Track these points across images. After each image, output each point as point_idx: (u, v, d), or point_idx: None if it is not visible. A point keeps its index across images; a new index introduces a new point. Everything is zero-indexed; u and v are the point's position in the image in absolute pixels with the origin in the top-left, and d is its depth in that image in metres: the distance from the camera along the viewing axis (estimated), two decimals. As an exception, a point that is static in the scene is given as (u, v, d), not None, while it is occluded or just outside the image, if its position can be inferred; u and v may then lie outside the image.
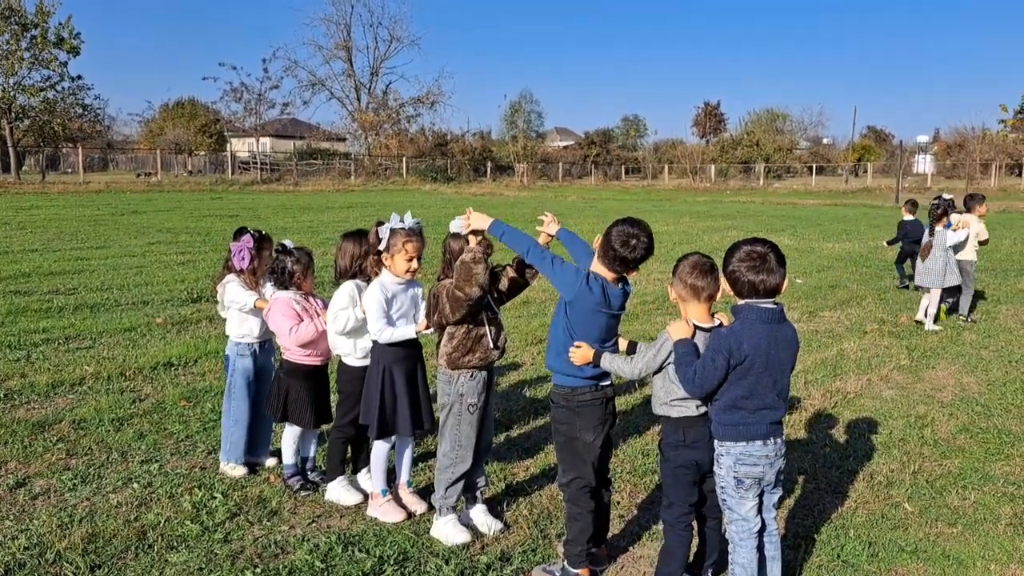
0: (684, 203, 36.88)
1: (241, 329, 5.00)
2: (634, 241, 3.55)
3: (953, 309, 10.21)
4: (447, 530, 4.17)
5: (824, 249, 17.62)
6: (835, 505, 4.70)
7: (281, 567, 3.88)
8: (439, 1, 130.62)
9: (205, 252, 15.18)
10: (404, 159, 55.63)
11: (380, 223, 4.29)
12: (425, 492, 4.63)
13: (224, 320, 5.15)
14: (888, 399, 6.80)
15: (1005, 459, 5.45)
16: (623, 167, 63.49)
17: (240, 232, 5.01)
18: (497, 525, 4.31)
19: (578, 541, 3.78)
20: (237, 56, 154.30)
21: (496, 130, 70.56)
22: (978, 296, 11.30)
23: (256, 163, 53.20)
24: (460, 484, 4.20)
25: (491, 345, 4.11)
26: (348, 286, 4.52)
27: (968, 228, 9.97)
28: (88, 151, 51.84)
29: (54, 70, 44.72)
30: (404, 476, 4.63)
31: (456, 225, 4.05)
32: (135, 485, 4.80)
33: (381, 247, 4.25)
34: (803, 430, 5.98)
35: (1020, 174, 50.40)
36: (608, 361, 3.62)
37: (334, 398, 4.89)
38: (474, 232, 3.92)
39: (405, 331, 4.30)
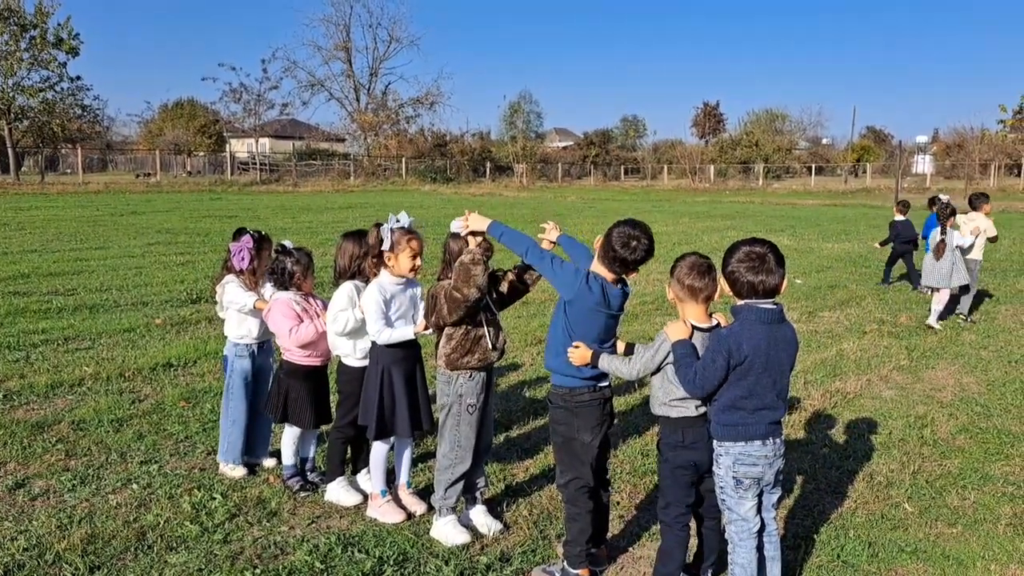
0: (683, 203, 36.89)
1: (240, 330, 5.00)
2: (634, 243, 3.55)
3: (952, 309, 10.21)
4: (447, 531, 4.17)
5: (823, 249, 17.63)
6: (835, 505, 4.70)
7: (281, 568, 3.87)
8: (438, 1, 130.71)
9: (204, 253, 15.18)
10: (403, 160, 55.63)
11: (379, 224, 4.29)
12: (425, 493, 4.63)
13: (223, 321, 5.15)
14: (888, 399, 6.80)
15: (1005, 459, 5.45)
16: (622, 167, 63.48)
17: (239, 232, 5.00)
18: (497, 526, 4.31)
19: (577, 542, 3.78)
20: (236, 57, 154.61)
21: (495, 130, 70.58)
22: (980, 296, 11.31)
23: (255, 164, 53.21)
24: (460, 485, 4.20)
25: (490, 346, 4.11)
26: (347, 287, 4.52)
27: (975, 235, 10.05)
28: (87, 152, 51.82)
29: (53, 71, 44.76)
30: (403, 477, 4.62)
31: (456, 226, 4.05)
32: (134, 486, 4.80)
33: (385, 246, 4.24)
34: (803, 430, 5.98)
35: (1019, 174, 50.41)
36: (606, 362, 3.62)
37: (334, 399, 4.88)
38: (473, 233, 3.92)
39: (404, 332, 4.29)
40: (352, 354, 4.58)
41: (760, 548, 3.53)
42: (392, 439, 4.49)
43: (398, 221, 4.30)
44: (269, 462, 5.15)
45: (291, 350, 4.74)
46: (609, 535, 4.12)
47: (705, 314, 3.55)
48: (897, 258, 12.95)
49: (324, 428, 5.02)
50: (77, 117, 48.90)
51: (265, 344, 5.12)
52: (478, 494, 4.39)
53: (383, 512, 4.42)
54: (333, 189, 43.95)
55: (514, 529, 4.34)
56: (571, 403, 3.74)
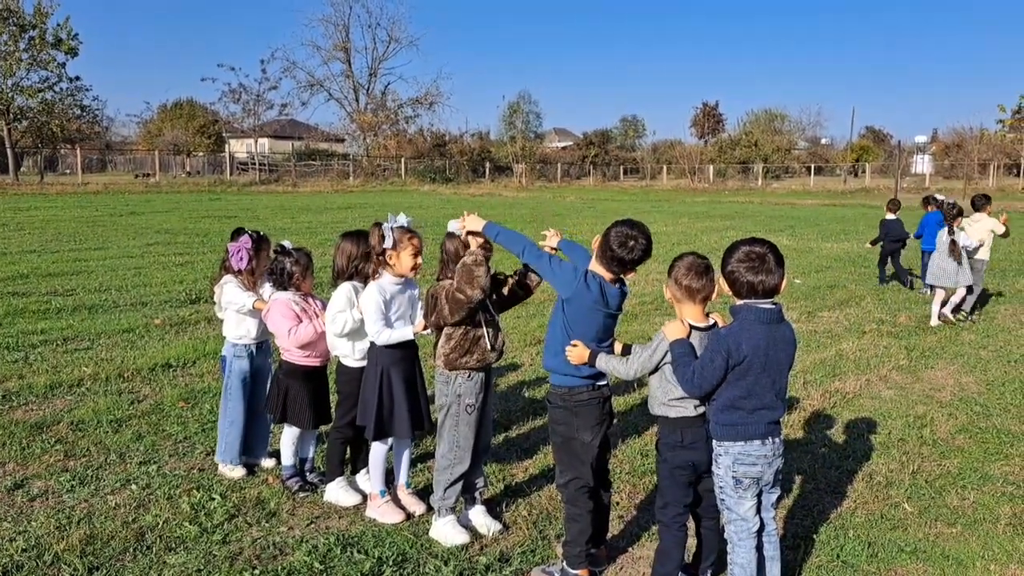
0: (682, 203, 36.89)
1: (238, 330, 4.99)
2: (632, 242, 3.56)
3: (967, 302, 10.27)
4: (446, 531, 4.16)
5: (822, 249, 17.63)
6: (834, 505, 4.70)
7: (280, 568, 3.87)
8: (438, 1, 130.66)
9: (203, 253, 15.17)
10: (402, 160, 55.63)
11: (379, 224, 4.29)
12: (424, 493, 4.62)
13: (221, 321, 5.15)
14: (887, 399, 6.80)
15: (1004, 459, 5.45)
16: (621, 168, 63.50)
17: (237, 232, 5.00)
18: (496, 526, 4.30)
19: (577, 542, 3.78)
20: (235, 57, 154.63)
21: (494, 131, 70.52)
22: (985, 296, 11.33)
23: (254, 164, 53.17)
24: (459, 485, 4.20)
25: (489, 347, 4.11)
26: (345, 288, 4.51)
27: (981, 237, 10.15)
28: (86, 152, 51.78)
29: (52, 71, 44.70)
30: (403, 477, 4.62)
31: (453, 226, 4.06)
32: (133, 486, 4.79)
33: (388, 244, 4.23)
34: (802, 430, 5.98)
35: (1018, 174, 50.44)
36: (604, 362, 3.62)
37: (334, 399, 4.88)
38: (473, 234, 3.92)
39: (403, 332, 4.29)
40: (351, 355, 4.58)
41: (759, 548, 3.53)
42: (390, 439, 4.49)
43: (397, 220, 4.31)
44: (268, 462, 5.15)
45: (290, 350, 4.73)
46: (608, 535, 4.12)
47: (703, 314, 3.55)
48: (887, 257, 13.03)
49: (323, 428, 5.02)
50: (76, 117, 48.87)
51: (263, 344, 5.12)
52: (477, 494, 4.39)
53: (382, 512, 4.42)
54: (332, 189, 43.95)
55: (513, 529, 4.34)
56: (570, 402, 3.74)
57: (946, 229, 9.80)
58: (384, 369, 4.31)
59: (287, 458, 4.84)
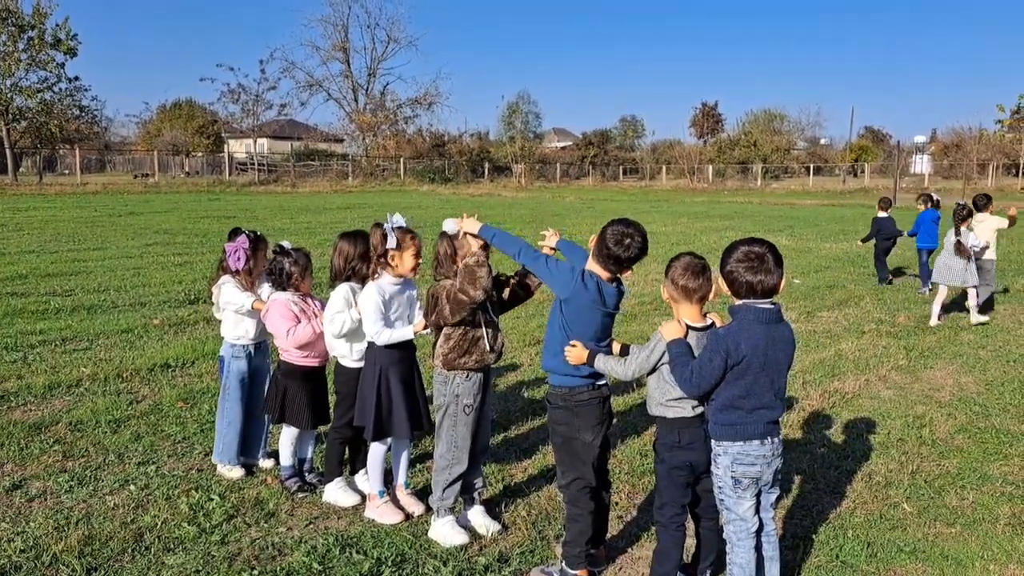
0: (682, 204, 36.90)
1: (236, 331, 4.99)
2: (628, 240, 3.56)
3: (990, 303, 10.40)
4: (445, 531, 4.16)
5: (822, 249, 17.63)
6: (833, 505, 4.70)
7: (279, 569, 3.87)
8: (437, 2, 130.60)
9: (202, 253, 15.17)
10: (402, 160, 55.61)
11: (379, 224, 4.28)
12: (423, 493, 4.62)
13: (220, 322, 5.14)
14: (886, 399, 6.80)
15: (1003, 459, 5.45)
16: (621, 168, 63.49)
17: (235, 232, 4.99)
18: (495, 526, 4.30)
19: (577, 542, 3.77)
20: (234, 57, 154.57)
21: (494, 131, 70.44)
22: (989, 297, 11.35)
23: (253, 164, 53.16)
24: (457, 485, 4.20)
25: (487, 348, 4.11)
26: (343, 288, 4.51)
27: (987, 238, 10.22)
28: (85, 152, 51.78)
29: (51, 71, 44.73)
30: (401, 478, 4.62)
31: (449, 226, 4.06)
32: (132, 487, 4.79)
33: (391, 244, 4.23)
34: (801, 430, 5.98)
35: (1017, 174, 50.44)
36: (602, 362, 3.62)
37: (333, 399, 4.87)
38: (471, 236, 3.93)
39: (403, 332, 4.29)
40: (348, 355, 4.57)
41: (758, 548, 3.52)
42: (389, 440, 4.49)
43: (396, 221, 4.31)
44: (267, 463, 5.14)
45: (289, 351, 4.73)
46: (607, 535, 4.11)
47: (700, 314, 3.55)
48: (880, 255, 13.12)
49: (322, 429, 5.02)
50: (75, 118, 48.87)
51: (262, 345, 5.12)
52: (476, 495, 4.39)
53: (381, 513, 4.42)
54: (331, 189, 43.95)
55: (512, 530, 4.33)
56: (571, 402, 3.74)
57: (953, 229, 9.84)
58: (383, 369, 4.31)
59: (286, 458, 4.84)
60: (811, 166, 57.50)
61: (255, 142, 58.34)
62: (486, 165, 58.57)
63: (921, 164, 59.57)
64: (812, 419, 6.22)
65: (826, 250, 17.48)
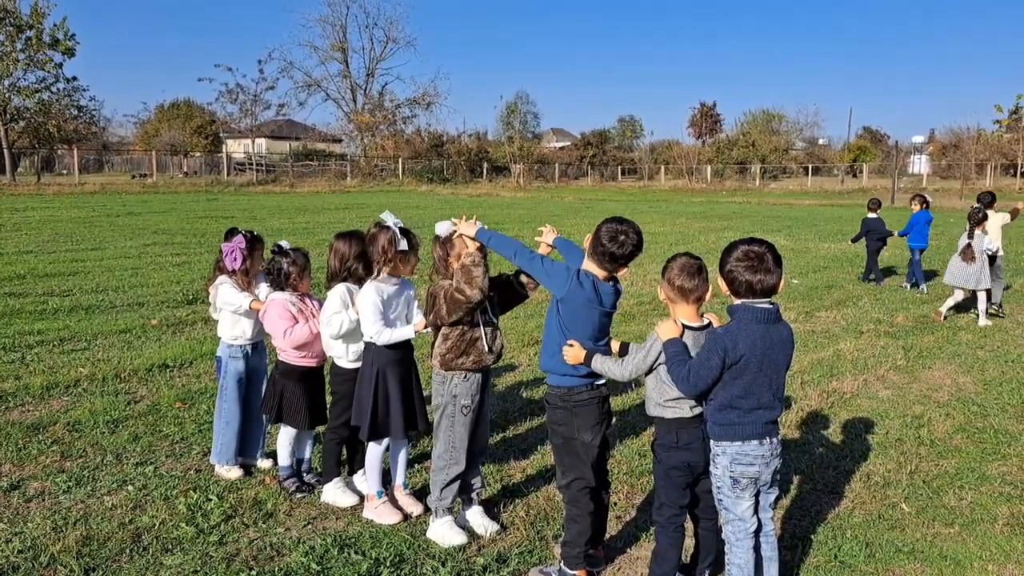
0: (680, 204, 36.91)
1: (233, 331, 4.98)
2: (623, 237, 3.57)
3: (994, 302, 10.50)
4: (443, 532, 4.16)
5: (820, 249, 17.64)
6: (832, 505, 4.70)
7: (277, 569, 3.86)
8: (435, 2, 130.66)
9: (201, 254, 15.15)
10: (400, 160, 55.59)
11: (382, 226, 4.28)
12: (421, 494, 4.62)
13: (217, 322, 5.13)
14: (884, 399, 6.80)
15: (1002, 459, 5.46)
16: (619, 168, 63.51)
17: (231, 232, 4.98)
18: (493, 527, 4.30)
19: (576, 543, 3.77)
20: (232, 57, 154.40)
21: (492, 131, 70.42)
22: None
23: (252, 164, 53.11)
24: (455, 485, 4.19)
25: (486, 349, 4.10)
26: (339, 289, 4.50)
27: (995, 236, 10.33)
28: (83, 152, 51.73)
29: (49, 71, 44.70)
30: (400, 478, 4.61)
31: (441, 229, 4.06)
32: (130, 487, 4.78)
33: (403, 246, 4.25)
34: (799, 430, 5.98)
35: (1015, 174, 50.49)
36: (599, 363, 3.62)
37: (331, 400, 4.87)
38: (468, 237, 3.93)
39: (404, 331, 4.29)
40: (344, 356, 4.57)
41: (757, 548, 3.52)
42: (386, 440, 4.48)
43: (397, 222, 4.32)
44: (265, 463, 5.14)
45: (286, 351, 4.73)
46: (606, 536, 4.11)
47: (696, 314, 3.55)
48: (872, 255, 13.26)
49: (320, 429, 5.01)
50: (73, 118, 48.81)
51: (259, 345, 5.11)
52: (474, 495, 4.39)
53: (379, 513, 4.41)
54: (330, 190, 43.93)
55: (511, 530, 4.33)
56: (570, 402, 3.74)
57: (966, 232, 9.91)
58: (380, 369, 4.30)
59: (284, 459, 4.83)
60: (809, 166, 57.54)
61: (253, 142, 58.28)
62: (484, 165, 58.56)
63: (919, 164, 59.67)
64: (810, 419, 6.22)
65: (824, 250, 17.49)
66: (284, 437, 4.83)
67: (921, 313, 10.53)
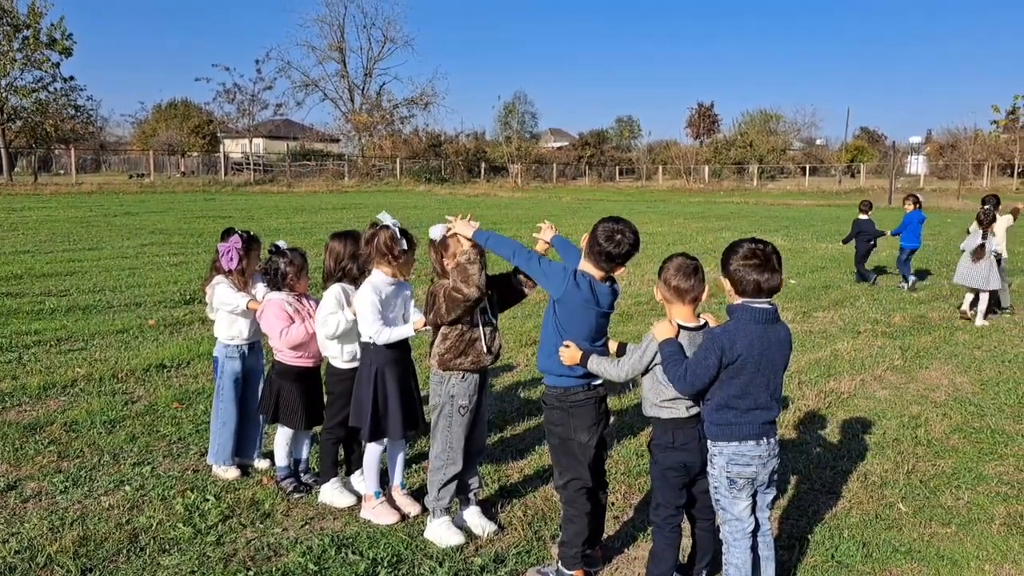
0: (678, 204, 36.93)
1: (230, 331, 4.97)
2: (619, 236, 3.57)
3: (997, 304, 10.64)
4: (441, 532, 4.16)
5: (817, 250, 17.67)
6: (829, 505, 4.70)
7: (274, 569, 3.86)
8: (433, 2, 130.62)
9: (198, 253, 15.14)
10: (398, 160, 55.57)
11: (383, 225, 4.28)
12: (419, 494, 4.61)
13: (214, 322, 5.13)
14: (882, 399, 6.81)
15: (998, 459, 5.46)
16: (617, 168, 63.52)
17: (228, 232, 4.98)
18: (491, 527, 4.30)
19: (573, 543, 3.77)
20: (230, 57, 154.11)
21: (490, 131, 70.46)
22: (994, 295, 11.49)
23: (249, 164, 53.06)
24: (452, 485, 4.19)
25: (484, 349, 4.10)
26: (335, 290, 4.50)
27: (1002, 241, 10.45)
28: (80, 152, 51.68)
29: (46, 71, 44.64)
30: (397, 478, 4.61)
31: (435, 232, 4.07)
32: (127, 488, 4.77)
33: (405, 246, 4.27)
34: (797, 431, 5.98)
35: (1012, 174, 50.59)
36: (595, 364, 3.62)
37: (327, 400, 4.86)
38: (465, 238, 3.94)
39: (404, 330, 4.29)
40: (339, 356, 4.57)
41: (754, 548, 3.53)
42: (385, 440, 4.48)
43: (396, 222, 4.32)
44: (263, 463, 5.13)
45: (282, 351, 4.72)
46: (604, 536, 4.11)
47: (692, 314, 3.55)
48: (862, 257, 13.42)
49: (317, 429, 5.01)
50: (70, 117, 48.75)
51: (255, 345, 5.10)
52: (472, 495, 4.38)
53: (377, 513, 4.41)
54: (327, 189, 43.91)
55: (508, 530, 4.33)
56: (567, 403, 3.74)
57: (980, 232, 10.01)
58: (379, 369, 4.30)
59: (281, 459, 4.83)
60: (807, 167, 57.60)
61: (251, 142, 58.24)
62: (482, 165, 58.58)
63: (916, 165, 59.78)
64: (808, 419, 6.23)
65: (822, 250, 17.51)
66: (281, 437, 4.83)
67: (918, 313, 10.55)
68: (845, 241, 14.09)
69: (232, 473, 4.95)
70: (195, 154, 57.80)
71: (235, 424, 4.99)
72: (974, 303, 10.13)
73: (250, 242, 4.97)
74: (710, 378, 3.34)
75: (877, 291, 12.43)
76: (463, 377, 4.09)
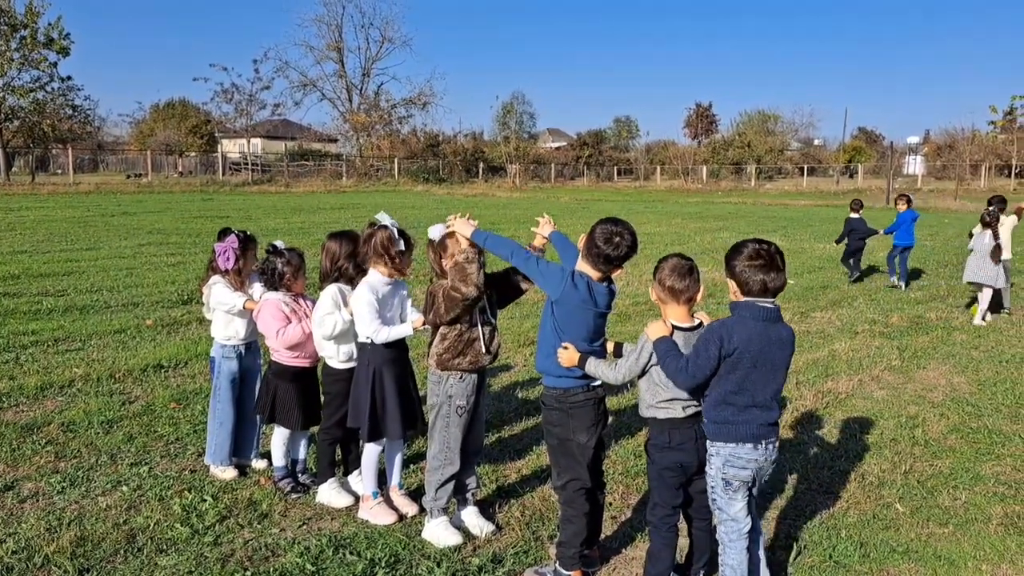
0: (676, 204, 36.94)
1: (227, 331, 4.97)
2: (618, 239, 3.57)
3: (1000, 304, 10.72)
4: (438, 532, 4.16)
5: (815, 250, 17.68)
6: (826, 505, 4.71)
7: (272, 570, 3.86)
8: (431, 1, 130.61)
9: (196, 253, 15.12)
10: (396, 160, 55.55)
11: (381, 225, 4.28)
12: (416, 494, 4.61)
13: (211, 322, 5.12)
14: (879, 399, 6.82)
15: (995, 459, 5.47)
16: (615, 168, 63.56)
17: (224, 232, 4.98)
18: (489, 527, 4.30)
19: (571, 544, 3.77)
20: (228, 57, 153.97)
21: (488, 131, 70.46)
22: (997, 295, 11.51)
23: (247, 164, 53.04)
24: (450, 486, 4.19)
25: (483, 349, 4.10)
26: (331, 290, 4.50)
27: (1006, 239, 10.52)
28: (78, 152, 51.62)
29: (44, 71, 44.63)
30: (395, 479, 4.61)
31: (434, 232, 4.06)
32: (124, 488, 4.77)
33: (402, 247, 4.27)
34: (794, 431, 5.99)
35: (1010, 175, 50.65)
36: (593, 366, 3.62)
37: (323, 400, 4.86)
38: (464, 237, 3.94)
39: (401, 329, 4.28)
40: (336, 356, 4.57)
41: (751, 548, 3.53)
42: (384, 440, 4.48)
43: (394, 223, 4.32)
44: (260, 464, 5.13)
45: (279, 351, 4.72)
46: (601, 536, 4.11)
47: (688, 315, 3.56)
48: (852, 255, 13.56)
49: (314, 430, 5.00)
50: (68, 117, 48.71)
51: (252, 345, 5.10)
52: (469, 495, 4.38)
53: (374, 514, 4.41)
54: (325, 190, 43.87)
55: (506, 530, 4.33)
56: (565, 404, 3.73)
57: (990, 233, 10.11)
58: (376, 369, 4.30)
59: (279, 459, 4.83)
60: (805, 167, 57.65)
61: (249, 142, 58.24)
62: (480, 165, 58.58)
63: (914, 165, 59.78)
64: (805, 419, 6.23)
65: (819, 251, 17.52)
66: (279, 437, 4.82)
67: (916, 314, 10.56)
68: (839, 241, 14.20)
69: (229, 473, 4.95)
70: (193, 154, 57.77)
71: (232, 424, 4.99)
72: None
73: (246, 242, 4.96)
74: (711, 369, 3.34)
75: (875, 292, 12.43)
76: (461, 377, 4.08)
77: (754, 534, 3.59)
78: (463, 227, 3.91)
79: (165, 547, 4.08)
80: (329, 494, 4.62)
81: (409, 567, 3.92)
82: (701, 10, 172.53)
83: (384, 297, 4.32)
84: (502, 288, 4.24)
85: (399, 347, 4.39)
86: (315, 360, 4.84)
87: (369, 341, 4.28)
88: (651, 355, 3.49)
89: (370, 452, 4.46)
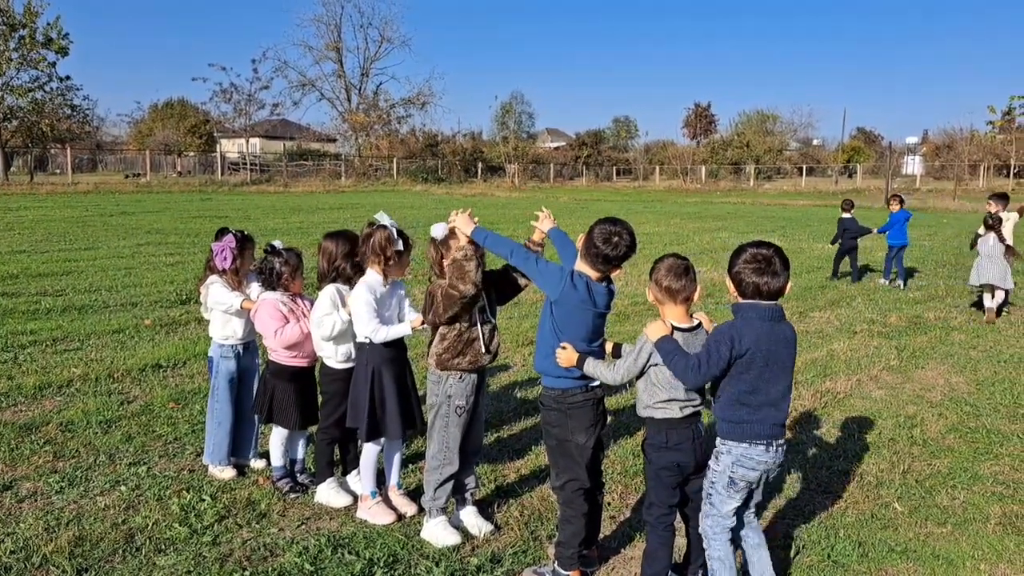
0: (675, 204, 36.95)
1: (224, 331, 4.97)
2: (616, 239, 3.57)
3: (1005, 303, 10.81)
4: (437, 532, 4.16)
5: (814, 250, 17.68)
6: (825, 505, 4.71)
7: (270, 569, 3.86)
8: (430, 1, 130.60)
9: (194, 253, 15.10)
10: (394, 160, 55.52)
11: (380, 225, 4.28)
12: (415, 494, 4.61)
13: (208, 322, 5.12)
14: (878, 399, 6.82)
15: (994, 459, 5.47)
16: (614, 168, 63.56)
17: (222, 232, 4.98)
18: (487, 527, 4.30)
19: (570, 544, 3.77)
20: (227, 57, 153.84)
21: (487, 131, 70.47)
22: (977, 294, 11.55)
23: (246, 164, 53.01)
24: (449, 485, 4.19)
25: (482, 349, 4.10)
26: (329, 290, 4.50)
27: (1009, 238, 10.64)
28: (77, 152, 51.57)
29: (42, 70, 44.59)
30: (394, 478, 4.61)
31: (436, 231, 4.06)
32: (123, 488, 4.77)
33: (400, 246, 4.27)
34: (793, 430, 5.99)
35: (1008, 175, 50.67)
36: (591, 366, 3.62)
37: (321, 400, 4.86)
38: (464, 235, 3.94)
39: (400, 328, 4.28)
40: (334, 356, 4.57)
41: (741, 541, 3.57)
42: (382, 440, 4.48)
43: (393, 223, 4.32)
44: (258, 463, 5.13)
45: (277, 350, 4.72)
46: (600, 535, 4.11)
47: (686, 315, 3.56)
48: (844, 254, 13.72)
49: (312, 429, 5.00)
50: (66, 117, 48.64)
51: (250, 344, 5.10)
52: (468, 495, 4.38)
53: (373, 513, 4.41)
54: (324, 189, 43.85)
55: (505, 530, 4.33)
56: (564, 404, 3.73)
57: (994, 236, 10.23)
58: (375, 369, 4.30)
59: (277, 459, 4.83)
60: (803, 167, 57.67)
61: (247, 142, 58.20)
62: (479, 165, 58.57)
63: (913, 165, 59.82)
64: (804, 419, 6.24)
65: (818, 250, 17.53)
66: (277, 437, 4.82)
67: (914, 314, 10.56)
68: (834, 241, 14.30)
69: (228, 473, 4.95)
70: (191, 154, 57.75)
71: (230, 424, 4.99)
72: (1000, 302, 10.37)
73: (244, 241, 4.96)
74: (721, 369, 3.34)
75: (873, 291, 12.44)
76: (460, 377, 4.08)
77: (757, 538, 3.60)
78: (464, 224, 3.91)
79: (163, 547, 4.08)
80: (328, 494, 4.62)
81: (408, 567, 3.92)
82: (700, 10, 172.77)
83: (382, 296, 4.32)
84: (501, 286, 4.24)
85: (398, 347, 4.39)
86: (313, 360, 4.84)
87: (367, 341, 4.28)
88: (650, 356, 3.49)
89: (369, 452, 4.46)
